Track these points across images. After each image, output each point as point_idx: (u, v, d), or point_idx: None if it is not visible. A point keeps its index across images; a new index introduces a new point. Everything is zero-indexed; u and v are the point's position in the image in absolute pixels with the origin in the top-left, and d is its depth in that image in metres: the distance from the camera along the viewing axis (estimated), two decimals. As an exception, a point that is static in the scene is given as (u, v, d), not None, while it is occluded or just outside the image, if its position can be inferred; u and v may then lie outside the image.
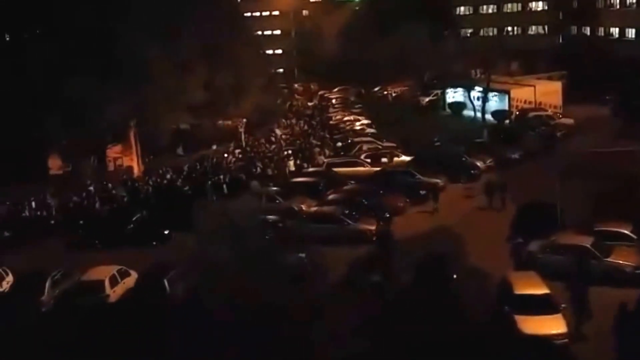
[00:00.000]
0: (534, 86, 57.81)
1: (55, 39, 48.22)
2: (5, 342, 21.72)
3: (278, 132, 60.01)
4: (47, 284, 26.97)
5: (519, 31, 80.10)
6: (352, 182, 38.51)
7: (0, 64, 47.42)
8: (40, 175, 48.91)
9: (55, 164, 53.14)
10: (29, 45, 49.00)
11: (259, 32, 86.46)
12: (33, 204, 40.40)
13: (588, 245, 24.86)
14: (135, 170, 53.20)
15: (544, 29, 78.41)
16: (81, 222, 36.84)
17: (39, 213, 39.70)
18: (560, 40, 75.83)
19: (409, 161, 42.20)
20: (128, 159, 54.94)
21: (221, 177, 42.30)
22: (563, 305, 21.48)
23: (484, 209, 33.95)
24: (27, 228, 36.97)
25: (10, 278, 28.98)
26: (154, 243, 33.13)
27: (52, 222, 38.29)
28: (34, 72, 45.72)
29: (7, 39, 52.83)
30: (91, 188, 43.90)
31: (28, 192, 41.81)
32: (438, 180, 37.38)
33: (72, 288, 27.21)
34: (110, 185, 45.53)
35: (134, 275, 27.83)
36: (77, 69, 45.36)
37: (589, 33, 71.00)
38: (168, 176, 46.57)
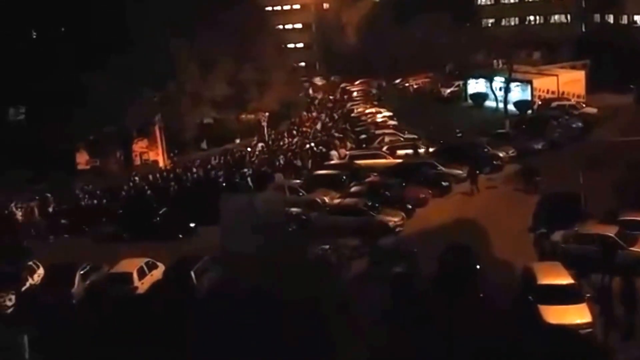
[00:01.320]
0: (557, 75, 57.30)
1: (81, 36, 48.84)
2: (37, 334, 21.99)
3: (305, 122, 59.98)
4: (77, 277, 27.27)
5: (541, 20, 79.27)
6: (374, 174, 38.59)
7: (27, 61, 48.06)
8: (69, 170, 49.63)
9: (83, 159, 53.89)
10: (56, 43, 49.63)
11: (281, 26, 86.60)
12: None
13: (613, 235, 24.75)
14: (161, 165, 53.79)
15: (566, 17, 77.55)
16: (109, 215, 37.47)
17: (66, 207, 40.30)
18: (584, 29, 75.02)
19: (431, 153, 42.19)
20: (154, 154, 55.59)
21: (245, 170, 42.62)
22: (588, 295, 21.51)
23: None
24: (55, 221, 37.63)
25: (41, 271, 29.24)
26: (180, 236, 33.57)
27: (81, 215, 38.73)
28: (61, 69, 46.38)
29: (34, 36, 53.48)
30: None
31: (57, 187, 42.41)
32: (460, 172, 37.38)
33: (101, 280, 27.63)
34: (136, 179, 46.04)
35: (161, 267, 28.13)
36: (103, 65, 46.00)
37: (612, 21, 70.15)
38: (194, 170, 46.97)
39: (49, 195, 41.10)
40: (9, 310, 26.34)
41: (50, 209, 39.71)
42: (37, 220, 38.21)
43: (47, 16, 50.57)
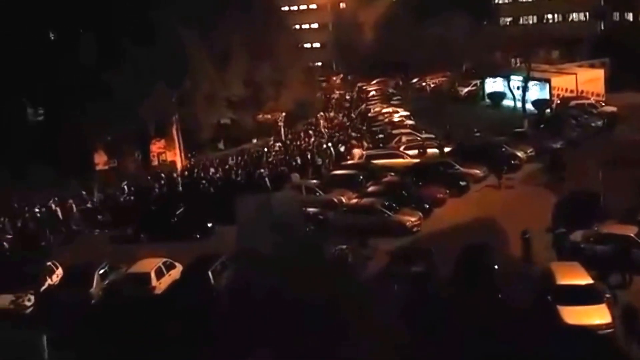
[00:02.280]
0: (576, 74, 56.86)
1: (99, 35, 49.17)
2: (56, 334, 22.15)
3: (322, 122, 60.05)
4: (95, 277, 27.41)
5: (560, 18, 78.71)
6: (392, 173, 38.53)
7: (46, 61, 48.51)
8: (87, 171, 49.99)
9: (101, 160, 54.24)
10: (74, 43, 49.99)
11: (297, 26, 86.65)
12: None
13: (632, 235, 24.54)
14: (178, 165, 53.99)
15: (585, 15, 76.96)
16: (126, 216, 37.45)
17: (85, 207, 40.62)
18: (602, 27, 74.37)
19: (448, 152, 42.05)
20: (171, 154, 55.81)
21: (262, 170, 42.70)
22: (607, 296, 21.33)
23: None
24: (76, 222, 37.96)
25: (59, 271, 29.36)
26: (198, 236, 33.62)
27: (99, 216, 39.08)
28: (77, 69, 46.72)
29: (52, 37, 53.87)
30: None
31: (75, 188, 42.76)
32: (477, 171, 37.21)
33: (119, 280, 27.73)
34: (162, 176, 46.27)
35: (179, 267, 28.19)
36: (119, 64, 46.29)
37: (631, 19, 69.46)
38: (212, 170, 47.14)
39: (83, 192, 41.76)
40: (28, 310, 26.40)
41: (90, 205, 40.23)
42: (76, 216, 38.57)
43: (65, 16, 50.84)
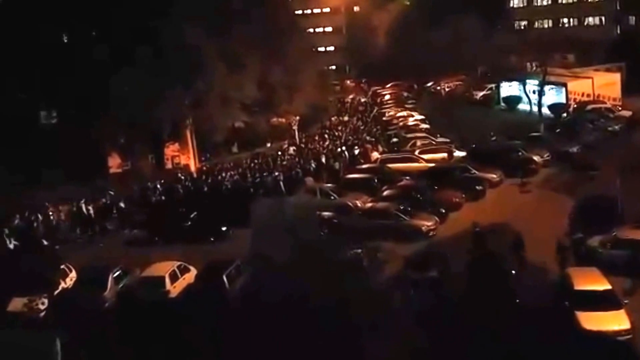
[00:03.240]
0: (592, 78, 56.59)
1: (113, 37, 49.39)
2: (70, 337, 21.89)
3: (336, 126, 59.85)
4: (110, 280, 27.28)
5: (575, 22, 78.28)
6: (407, 178, 38.36)
7: (60, 65, 48.79)
8: (101, 173, 50.15)
9: (115, 163, 54.40)
10: (87, 45, 50.25)
11: (311, 30, 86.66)
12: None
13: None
14: (192, 168, 54.05)
15: (600, 19, 76.48)
16: (141, 219, 37.76)
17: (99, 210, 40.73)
18: (619, 31, 73.82)
19: (464, 156, 41.83)
20: (185, 157, 55.90)
21: (277, 174, 42.65)
22: (626, 301, 21.08)
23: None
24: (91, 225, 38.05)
25: (73, 274, 29.28)
26: (212, 239, 33.55)
27: (114, 219, 39.11)
28: (93, 73, 46.92)
29: (65, 40, 54.19)
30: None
31: (90, 191, 42.88)
32: (493, 175, 36.98)
33: (133, 284, 27.68)
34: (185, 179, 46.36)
35: (193, 271, 28.10)
36: (135, 68, 46.44)
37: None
38: (225, 174, 47.12)
39: (112, 192, 41.86)
40: (42, 314, 26.23)
41: (123, 205, 40.22)
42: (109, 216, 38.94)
43: (79, 18, 51.12)
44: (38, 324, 25.44)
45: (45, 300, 26.57)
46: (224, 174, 46.60)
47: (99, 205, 39.45)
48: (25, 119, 49.02)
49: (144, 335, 22.48)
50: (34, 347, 20.96)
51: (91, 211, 38.61)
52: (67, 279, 29.04)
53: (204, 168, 53.89)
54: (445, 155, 42.60)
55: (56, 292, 27.59)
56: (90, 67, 47.09)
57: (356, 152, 46.53)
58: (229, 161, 53.91)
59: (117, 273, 28.03)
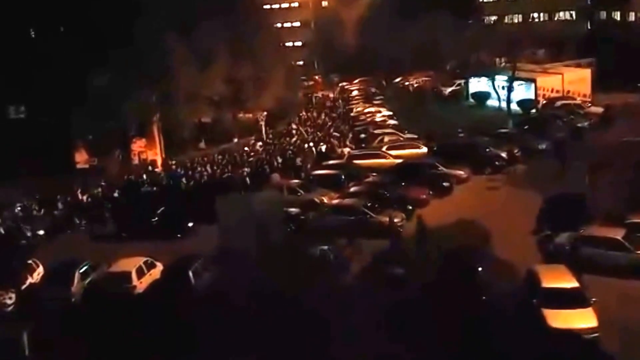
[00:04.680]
0: (562, 74, 56.64)
1: (81, 34, 48.98)
2: (36, 333, 21.97)
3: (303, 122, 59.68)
4: (76, 275, 27.39)
5: (546, 17, 78.49)
6: (374, 174, 38.08)
7: (27, 60, 48.24)
8: (68, 169, 49.66)
9: (82, 158, 53.99)
10: (54, 42, 49.78)
11: (279, 24, 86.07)
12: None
13: (619, 238, 24.21)
14: (159, 164, 53.54)
15: (571, 14, 76.87)
16: (107, 214, 37.66)
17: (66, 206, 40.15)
18: (589, 26, 74.20)
19: (431, 152, 41.64)
20: (152, 153, 55.47)
21: (243, 170, 42.18)
22: (594, 299, 20.96)
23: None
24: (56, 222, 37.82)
25: (40, 270, 29.53)
26: (179, 235, 33.39)
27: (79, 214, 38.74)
28: (59, 68, 46.44)
29: (33, 35, 53.66)
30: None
31: (56, 186, 42.26)
32: (461, 172, 36.84)
33: (99, 279, 27.71)
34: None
35: (159, 266, 28.19)
36: (101, 64, 45.96)
37: (619, 18, 69.40)
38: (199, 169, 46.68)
39: (103, 184, 42.49)
40: (9, 309, 26.65)
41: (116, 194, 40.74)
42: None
43: (46, 14, 50.71)
44: (5, 318, 25.89)
45: (13, 295, 27.07)
46: (189, 170, 46.15)
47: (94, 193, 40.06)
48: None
49: (108, 329, 22.38)
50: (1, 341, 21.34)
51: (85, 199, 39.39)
52: (35, 274, 29.19)
53: (171, 164, 53.31)
54: (413, 151, 42.39)
55: (23, 287, 27.88)
56: (60, 63, 46.71)
57: (323, 148, 46.18)
58: (196, 157, 53.36)
59: (84, 268, 28.07)
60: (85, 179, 46.11)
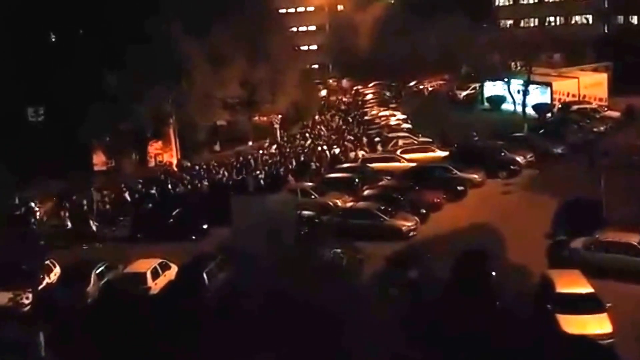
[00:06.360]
0: (578, 78, 56.31)
1: (97, 35, 49.33)
2: (53, 332, 22.09)
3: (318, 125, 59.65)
4: (92, 276, 27.60)
5: (562, 21, 77.92)
6: (388, 177, 38.04)
7: (45, 62, 48.63)
8: (85, 170, 50.04)
9: (99, 160, 54.37)
10: (73, 43, 50.20)
11: (294, 28, 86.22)
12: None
13: (635, 243, 24.07)
14: (175, 166, 53.77)
15: (587, 18, 76.34)
16: (124, 217, 37.77)
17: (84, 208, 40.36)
18: (606, 30, 73.56)
19: (446, 156, 41.52)
20: (168, 155, 55.76)
21: (258, 173, 42.26)
22: (609, 305, 20.81)
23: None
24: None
25: (57, 270, 29.65)
26: (194, 237, 33.51)
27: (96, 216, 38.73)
28: (78, 71, 46.81)
29: (53, 39, 54.20)
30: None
31: (73, 187, 42.58)
32: (475, 176, 36.73)
33: (115, 280, 27.80)
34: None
35: (174, 268, 28.29)
36: (117, 66, 46.28)
37: (636, 22, 68.86)
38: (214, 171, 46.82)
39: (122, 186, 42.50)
40: (26, 309, 26.56)
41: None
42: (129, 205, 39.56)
43: (63, 16, 51.05)
44: (22, 318, 25.59)
45: (30, 295, 26.81)
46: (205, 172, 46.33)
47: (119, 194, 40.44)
48: (11, 115, 49.09)
49: (125, 329, 22.25)
50: (18, 342, 21.52)
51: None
52: (52, 275, 29.28)
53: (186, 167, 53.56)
54: (427, 154, 42.29)
55: (40, 288, 27.74)
56: (78, 65, 47.00)
57: (337, 151, 46.18)
58: (211, 159, 53.54)
59: (101, 269, 28.23)
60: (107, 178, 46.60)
